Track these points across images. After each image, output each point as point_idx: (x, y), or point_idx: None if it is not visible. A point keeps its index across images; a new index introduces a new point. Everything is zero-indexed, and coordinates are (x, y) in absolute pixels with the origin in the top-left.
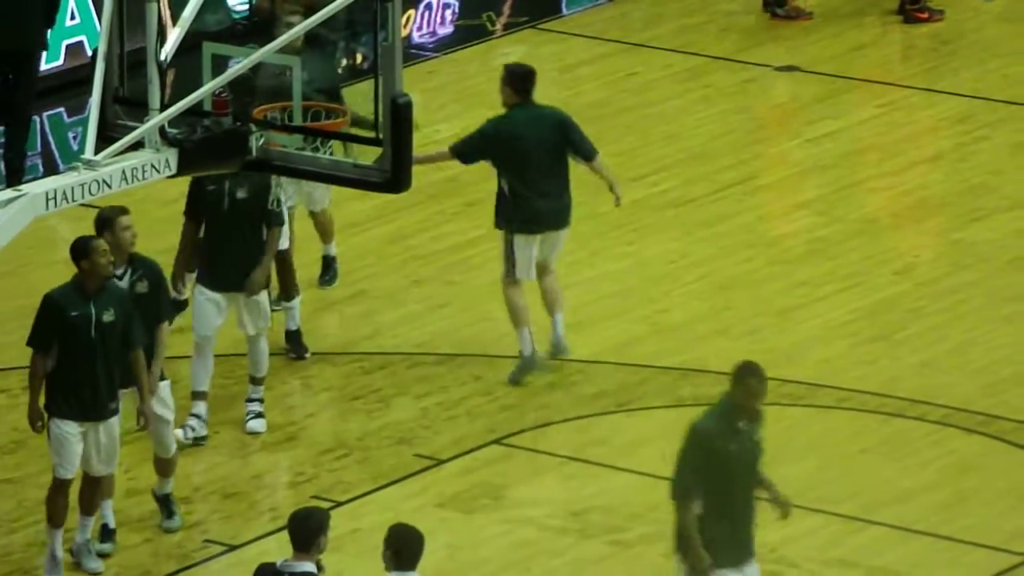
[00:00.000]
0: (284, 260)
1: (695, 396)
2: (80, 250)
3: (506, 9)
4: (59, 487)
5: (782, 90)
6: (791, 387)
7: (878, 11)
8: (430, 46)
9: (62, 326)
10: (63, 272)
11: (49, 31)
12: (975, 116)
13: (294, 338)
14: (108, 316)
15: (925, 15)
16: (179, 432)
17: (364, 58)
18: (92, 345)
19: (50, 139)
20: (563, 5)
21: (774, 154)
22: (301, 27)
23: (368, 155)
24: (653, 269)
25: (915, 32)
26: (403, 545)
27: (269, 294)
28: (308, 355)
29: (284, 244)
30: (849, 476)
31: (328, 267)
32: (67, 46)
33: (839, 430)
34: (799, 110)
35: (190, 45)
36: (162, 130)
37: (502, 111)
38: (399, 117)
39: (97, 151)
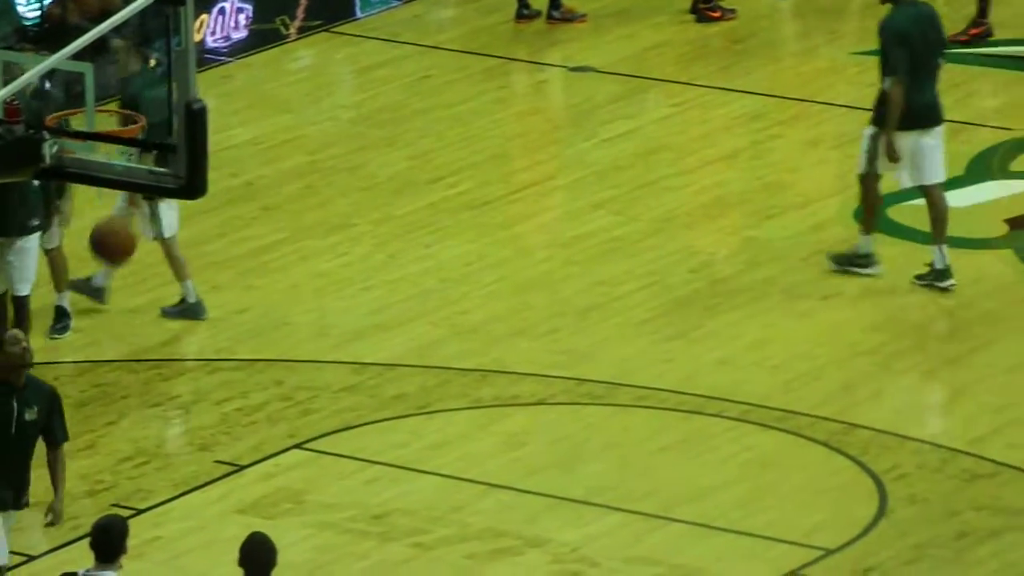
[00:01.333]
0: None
1: (495, 397)
2: None
3: (300, 13)
4: None
5: (577, 91)
6: (590, 386)
7: (671, 10)
8: (224, 51)
9: None
10: None
11: None
12: (768, 114)
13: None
14: (30, 414)
15: (718, 14)
16: None
17: (158, 63)
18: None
19: None
20: (357, 8)
21: (570, 155)
22: (92, 33)
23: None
24: (451, 271)
25: (708, 31)
26: (253, 555)
27: None
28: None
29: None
30: (648, 474)
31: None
32: None
33: (638, 428)
34: (594, 110)
35: None
36: None
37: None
38: (193, 122)
39: None
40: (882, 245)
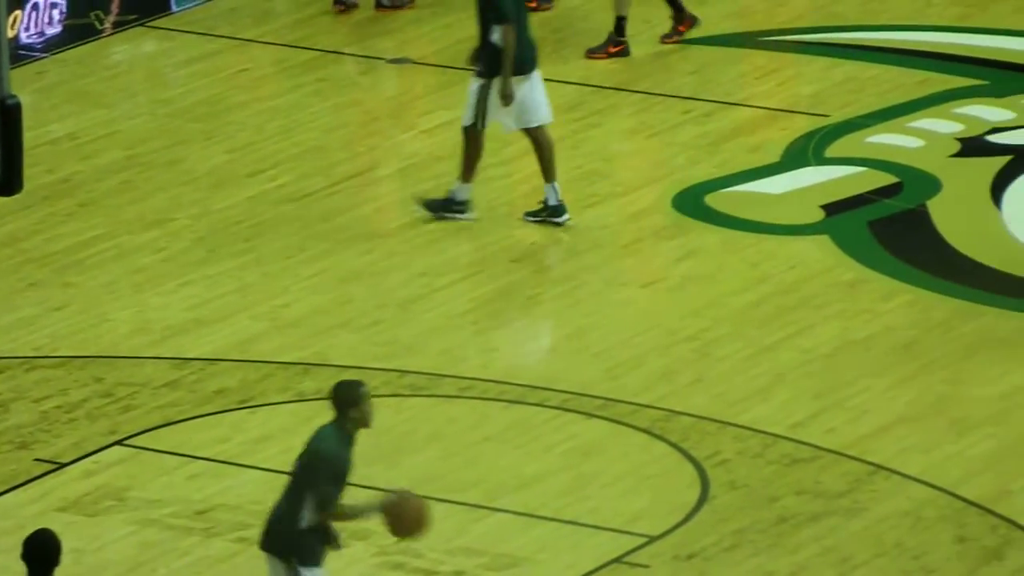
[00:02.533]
0: None
1: (318, 390)
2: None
3: (114, 7)
4: None
5: (395, 82)
6: (412, 378)
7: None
8: (38, 46)
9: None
10: None
11: None
12: (585, 103)
13: None
14: None
15: (534, 4)
16: None
17: None
18: None
19: None
20: (172, 3)
21: (389, 146)
22: None
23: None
24: (272, 265)
25: None
26: (36, 551)
27: None
28: None
29: None
30: (472, 464)
31: None
32: None
33: (462, 419)
34: (413, 102)
35: None
36: None
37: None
38: (8, 119)
39: None
40: (701, 233)
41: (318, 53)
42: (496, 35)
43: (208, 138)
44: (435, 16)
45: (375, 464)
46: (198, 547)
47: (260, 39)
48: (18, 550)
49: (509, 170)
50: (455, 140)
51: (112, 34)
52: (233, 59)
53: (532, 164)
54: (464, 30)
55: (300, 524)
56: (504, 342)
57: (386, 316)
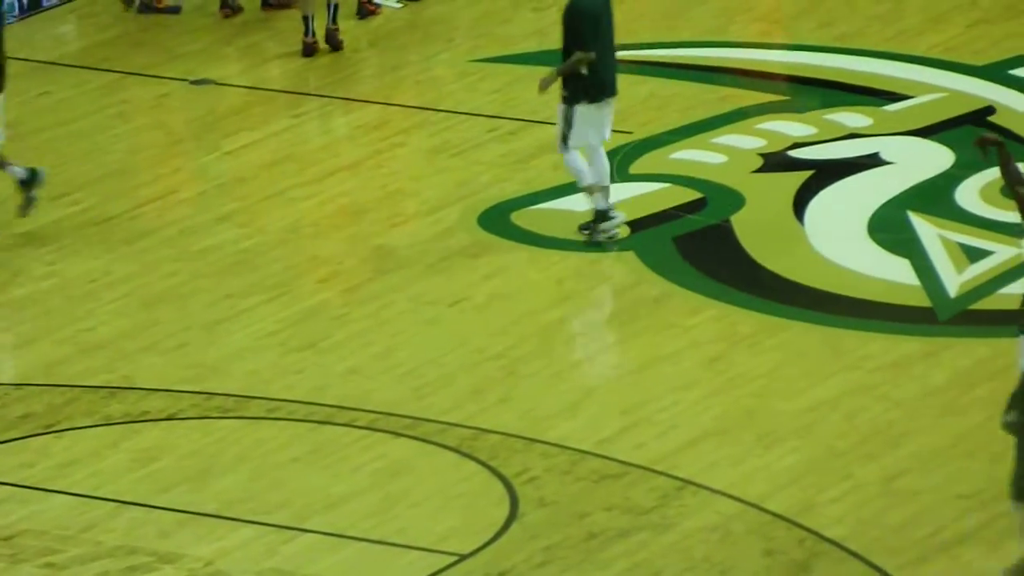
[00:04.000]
0: None
1: (125, 413)
2: None
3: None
4: None
5: (198, 104)
6: (220, 400)
7: (289, 22)
8: None
9: None
10: None
11: None
12: (390, 122)
13: None
14: None
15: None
16: None
17: None
18: None
19: None
20: None
21: (193, 168)
22: None
23: None
24: (76, 288)
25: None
26: None
27: None
28: None
29: None
30: (281, 486)
31: None
32: None
33: (270, 440)
34: (216, 123)
35: None
36: None
37: None
38: None
39: None
40: (507, 251)
41: (119, 75)
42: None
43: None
44: (237, 37)
45: (183, 486)
46: (3, 573)
47: (59, 61)
48: None
49: (313, 191)
50: (259, 161)
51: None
52: (33, 82)
53: (337, 184)
54: (269, 50)
55: None
56: (311, 363)
57: (192, 338)
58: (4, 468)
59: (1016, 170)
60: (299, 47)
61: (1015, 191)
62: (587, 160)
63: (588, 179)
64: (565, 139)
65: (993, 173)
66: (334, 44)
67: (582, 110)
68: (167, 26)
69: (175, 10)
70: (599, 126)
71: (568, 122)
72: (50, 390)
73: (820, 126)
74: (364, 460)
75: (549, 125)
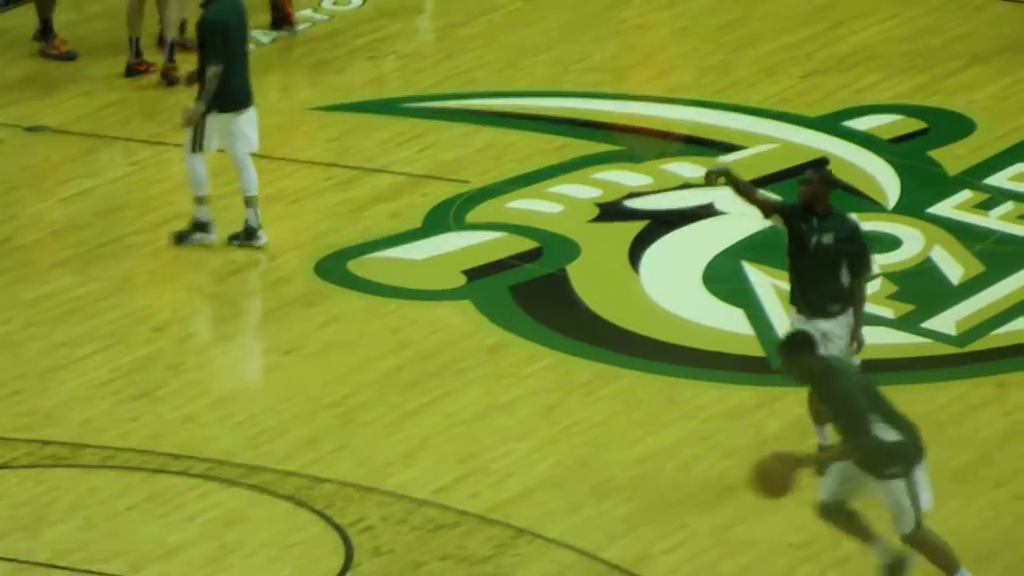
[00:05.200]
0: None
1: None
2: None
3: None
4: None
5: (32, 151)
6: (54, 448)
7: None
8: None
9: None
10: None
11: None
12: (226, 170)
13: None
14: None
15: (143, 67)
16: None
17: None
18: None
19: None
20: None
21: (28, 215)
22: None
23: None
24: None
25: (163, 89)
26: None
27: None
28: None
29: None
30: (115, 535)
31: None
32: None
33: (104, 489)
34: (51, 170)
35: None
36: None
37: None
38: None
39: None
40: (344, 299)
41: None
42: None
43: None
44: (71, 83)
45: (15, 535)
46: None
47: None
48: None
49: (149, 239)
50: (95, 208)
51: None
52: None
53: (163, 232)
54: (102, 98)
55: None
56: (146, 411)
57: (26, 386)
58: None
59: (746, 185)
60: (129, 94)
61: (754, 200)
62: (237, 171)
63: (203, 190)
64: (194, 144)
65: None
66: (171, 80)
67: (211, 118)
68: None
69: (70, 56)
70: (231, 136)
71: (199, 129)
72: None
73: (655, 176)
74: (199, 509)
75: (386, 173)
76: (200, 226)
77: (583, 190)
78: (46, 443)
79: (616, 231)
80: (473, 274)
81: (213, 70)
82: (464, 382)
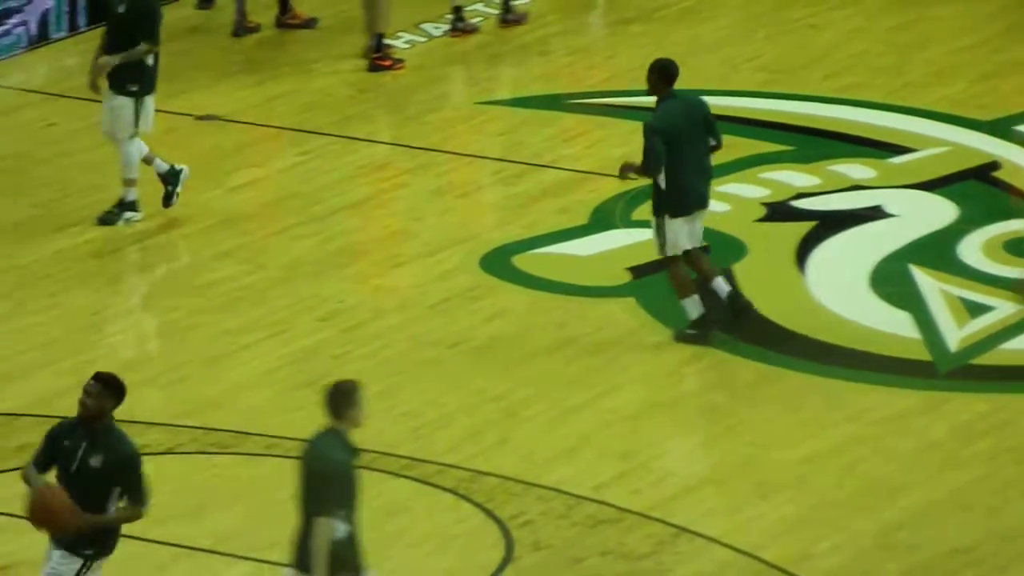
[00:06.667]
0: None
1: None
2: None
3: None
4: None
5: (204, 139)
6: (218, 435)
7: (298, 61)
8: None
9: None
10: None
11: None
12: (394, 163)
13: None
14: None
15: (388, 63)
16: None
17: None
18: None
19: None
20: None
21: (198, 203)
22: None
23: None
24: (78, 320)
25: (331, 80)
26: None
27: None
28: None
29: None
30: (277, 522)
31: None
32: None
33: (267, 477)
34: (221, 159)
35: None
36: None
37: None
38: None
39: None
40: (508, 294)
41: None
42: (660, 178)
43: (15, 192)
44: (244, 73)
45: (179, 520)
46: None
47: (67, 94)
48: None
49: (315, 229)
50: (263, 198)
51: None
52: (40, 113)
53: (340, 223)
54: (272, 88)
55: (334, 539)
56: (310, 401)
57: (192, 373)
58: (1, 498)
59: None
60: (298, 85)
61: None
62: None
63: (135, 173)
64: (663, 249)
65: (996, 229)
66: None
67: (671, 223)
68: (175, 59)
69: (310, 23)
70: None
71: (662, 233)
72: (48, 421)
73: (824, 177)
74: (361, 499)
75: (554, 169)
76: (130, 206)
77: (750, 189)
78: (211, 430)
79: (783, 231)
80: (638, 272)
81: (148, 49)
82: (627, 379)
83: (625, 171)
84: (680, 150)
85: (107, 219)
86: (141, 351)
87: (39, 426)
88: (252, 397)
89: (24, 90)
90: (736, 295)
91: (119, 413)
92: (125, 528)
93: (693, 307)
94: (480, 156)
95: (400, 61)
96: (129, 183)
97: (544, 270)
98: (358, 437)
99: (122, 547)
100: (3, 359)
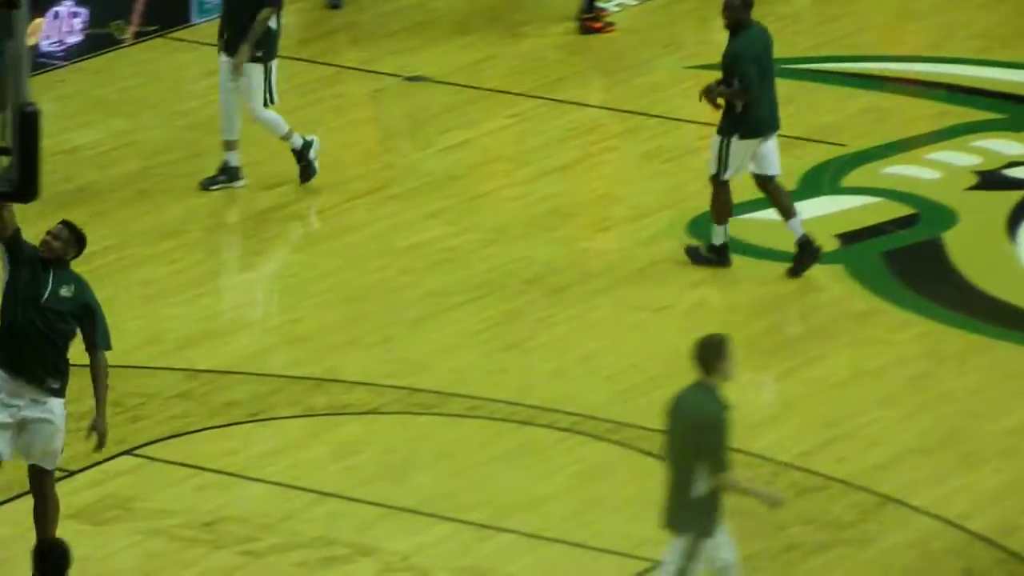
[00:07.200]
0: None
1: (328, 405)
2: None
3: (136, 18)
4: None
5: (412, 100)
6: (422, 396)
7: (508, 23)
8: (59, 55)
9: None
10: None
11: None
12: (603, 126)
13: None
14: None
15: (599, 25)
16: None
17: None
18: None
19: None
20: (192, 14)
21: (405, 164)
22: None
23: None
24: (283, 279)
25: (541, 43)
26: (48, 563)
27: None
28: None
29: None
30: (480, 484)
31: None
32: None
33: (470, 438)
34: (429, 120)
35: None
36: None
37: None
38: (26, 126)
39: None
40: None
41: (335, 69)
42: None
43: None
44: (454, 35)
45: (382, 479)
46: (204, 559)
47: (278, 54)
48: (25, 557)
49: (523, 191)
50: (471, 160)
51: (133, 44)
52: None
53: (547, 186)
54: (481, 50)
55: (693, 495)
56: (514, 363)
57: (397, 334)
58: (207, 454)
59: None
60: (508, 47)
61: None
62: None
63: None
64: (719, 168)
65: None
66: (585, 30)
67: (737, 144)
68: (386, 20)
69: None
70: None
71: (725, 154)
72: (255, 379)
73: None
74: (564, 462)
75: None
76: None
77: (962, 157)
78: (415, 390)
79: (995, 200)
80: (847, 238)
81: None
82: (833, 347)
83: (711, 94)
84: (760, 75)
85: (207, 184)
86: (347, 311)
87: (245, 383)
88: (456, 358)
89: None
90: (808, 241)
91: (323, 372)
92: (329, 486)
93: (721, 235)
94: (688, 120)
95: (611, 24)
96: (284, 137)
97: (751, 236)
98: (546, 397)
99: (323, 504)
100: (209, 317)
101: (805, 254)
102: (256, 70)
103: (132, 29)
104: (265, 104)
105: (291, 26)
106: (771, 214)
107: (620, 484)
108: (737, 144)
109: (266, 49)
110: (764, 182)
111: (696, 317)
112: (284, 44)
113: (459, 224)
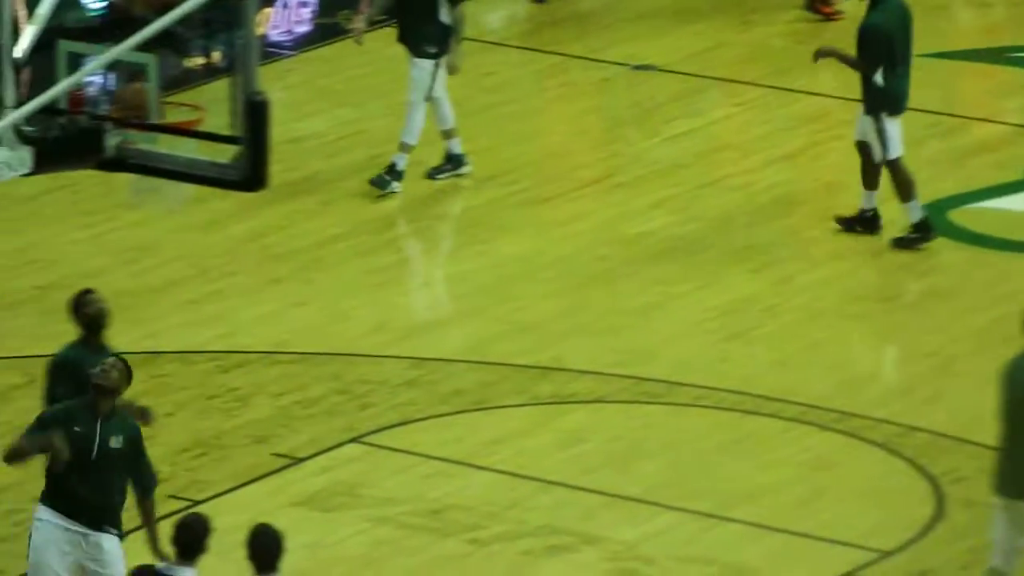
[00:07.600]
0: None
1: (553, 394)
2: None
3: (363, 8)
4: None
5: (639, 89)
6: (648, 385)
7: (737, 11)
8: (287, 44)
9: None
10: None
11: None
12: (829, 115)
13: None
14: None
15: (830, 9)
16: None
17: (222, 57)
18: None
19: None
20: None
21: (631, 153)
22: (157, 25)
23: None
24: (509, 268)
25: (769, 31)
26: (260, 547)
27: None
28: None
29: None
30: (704, 473)
31: None
32: None
33: (695, 428)
34: (656, 109)
35: (46, 43)
36: (17, 128)
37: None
38: (255, 115)
39: None
40: (946, 248)
41: (562, 57)
42: (878, 76)
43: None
44: (682, 24)
45: (607, 468)
46: (430, 546)
47: (505, 42)
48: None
49: (749, 180)
50: (697, 148)
51: (365, 33)
52: (477, 61)
53: (773, 175)
54: (708, 39)
55: None
56: (739, 352)
57: (622, 322)
58: (433, 443)
59: (846, 55)
60: (735, 35)
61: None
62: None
63: (415, 139)
64: (885, 151)
65: None
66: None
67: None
68: (613, 9)
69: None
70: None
71: (884, 135)
72: (481, 367)
73: None
74: (790, 452)
75: (991, 123)
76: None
77: None
78: (641, 380)
79: None
80: None
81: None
82: None
83: (830, 55)
84: (899, 49)
85: (378, 182)
86: (574, 299)
87: (471, 372)
88: (682, 347)
89: (467, 39)
90: (926, 221)
91: (548, 360)
92: (554, 474)
93: (915, 211)
94: (916, 109)
95: (840, 12)
96: (405, 148)
97: (981, 225)
98: (771, 386)
99: (548, 493)
100: (435, 306)
101: (920, 229)
102: (426, 65)
103: (362, 18)
104: (426, 99)
105: (518, 16)
106: (997, 203)
107: (846, 474)
108: (887, 121)
109: (439, 46)
110: (865, 151)
111: (924, 307)
112: (510, 33)
113: (685, 212)
